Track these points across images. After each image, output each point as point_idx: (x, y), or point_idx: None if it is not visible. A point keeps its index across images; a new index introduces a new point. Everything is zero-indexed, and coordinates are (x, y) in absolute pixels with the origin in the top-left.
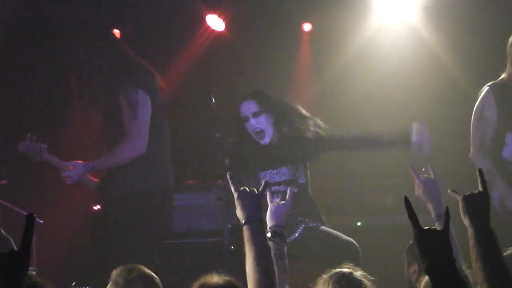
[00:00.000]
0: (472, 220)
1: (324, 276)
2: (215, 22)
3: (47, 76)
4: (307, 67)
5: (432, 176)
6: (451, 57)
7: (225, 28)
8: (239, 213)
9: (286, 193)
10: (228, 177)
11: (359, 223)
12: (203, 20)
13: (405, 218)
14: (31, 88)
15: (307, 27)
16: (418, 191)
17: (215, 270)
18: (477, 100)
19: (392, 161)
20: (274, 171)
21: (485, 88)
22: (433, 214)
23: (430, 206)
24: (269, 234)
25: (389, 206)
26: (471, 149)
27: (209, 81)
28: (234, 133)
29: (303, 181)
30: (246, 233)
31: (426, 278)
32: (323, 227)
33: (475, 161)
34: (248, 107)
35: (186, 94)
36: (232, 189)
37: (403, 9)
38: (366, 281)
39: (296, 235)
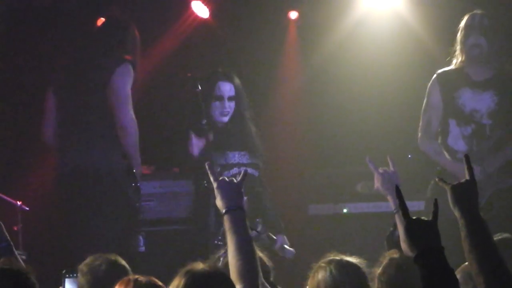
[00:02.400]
0: (462, 210)
1: (321, 263)
2: (200, 9)
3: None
4: (293, 55)
5: (391, 168)
6: (438, 44)
7: (209, 15)
8: (219, 203)
9: (250, 176)
10: (206, 167)
11: (345, 210)
12: (187, 6)
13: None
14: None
15: (293, 15)
16: (377, 183)
17: (199, 258)
18: None
19: (380, 148)
20: (242, 153)
21: (434, 75)
22: (393, 206)
23: (389, 198)
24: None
25: (376, 193)
26: (419, 134)
27: (195, 68)
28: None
29: (262, 167)
30: (226, 222)
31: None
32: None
33: (422, 146)
34: (226, 88)
35: (170, 80)
36: (211, 179)
37: None
38: (361, 264)
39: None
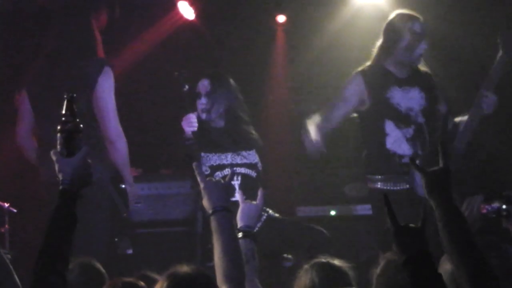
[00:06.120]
0: (438, 199)
1: (305, 266)
2: (186, 10)
3: None
4: (281, 59)
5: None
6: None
7: (196, 17)
8: (205, 203)
9: (246, 176)
10: (194, 167)
11: (332, 212)
12: (174, 6)
13: None
14: None
15: (281, 18)
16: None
17: (187, 260)
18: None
19: None
20: (235, 153)
21: (354, 73)
22: None
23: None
24: (240, 235)
25: (363, 196)
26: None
27: (181, 67)
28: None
29: (261, 168)
30: (213, 223)
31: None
32: (284, 218)
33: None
34: (203, 84)
35: (158, 79)
36: (198, 180)
37: None
38: (345, 267)
39: (257, 227)
